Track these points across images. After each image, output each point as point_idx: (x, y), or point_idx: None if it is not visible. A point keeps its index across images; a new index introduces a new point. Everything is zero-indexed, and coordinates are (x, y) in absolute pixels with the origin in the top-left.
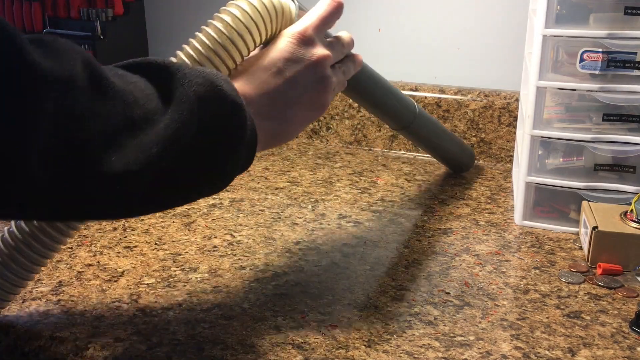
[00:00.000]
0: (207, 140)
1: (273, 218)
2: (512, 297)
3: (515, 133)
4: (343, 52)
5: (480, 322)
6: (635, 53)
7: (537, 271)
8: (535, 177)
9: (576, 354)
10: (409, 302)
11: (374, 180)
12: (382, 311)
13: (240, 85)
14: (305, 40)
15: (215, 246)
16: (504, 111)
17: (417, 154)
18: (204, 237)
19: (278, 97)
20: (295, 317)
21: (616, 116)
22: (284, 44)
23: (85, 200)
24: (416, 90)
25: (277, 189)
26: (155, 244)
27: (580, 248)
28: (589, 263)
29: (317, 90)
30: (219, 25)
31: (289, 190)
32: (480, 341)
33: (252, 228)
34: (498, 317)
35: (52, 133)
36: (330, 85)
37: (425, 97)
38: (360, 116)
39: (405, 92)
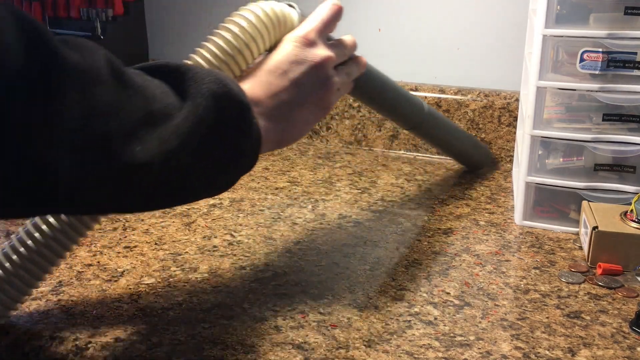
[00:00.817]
0: (219, 136)
1: (273, 218)
2: (512, 297)
3: (515, 133)
4: (346, 54)
5: (480, 322)
6: (635, 53)
7: (537, 271)
8: (535, 177)
9: (576, 354)
10: (409, 302)
11: (373, 180)
12: (382, 311)
13: (246, 87)
14: (308, 43)
15: (215, 246)
16: (504, 111)
17: (417, 154)
18: (204, 237)
19: (283, 98)
20: (295, 317)
21: (616, 116)
22: (288, 47)
23: (109, 192)
24: (416, 90)
25: (277, 189)
26: (155, 244)
27: (580, 248)
28: (589, 263)
29: (320, 91)
30: (227, 35)
31: (289, 190)
32: (481, 341)
33: (252, 228)
34: (498, 317)
35: (78, 123)
36: (333, 86)
37: (425, 97)
38: (360, 116)
39: None
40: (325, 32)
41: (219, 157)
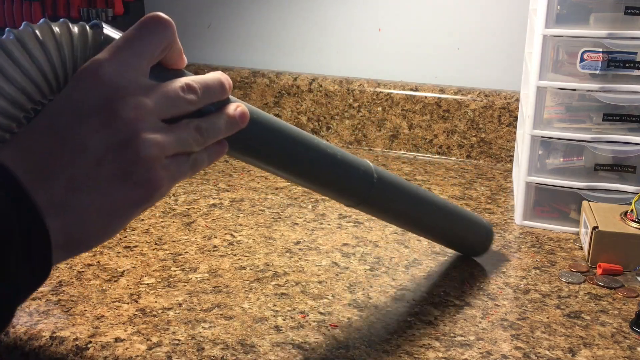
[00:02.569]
0: None
1: (273, 218)
2: (513, 297)
3: (515, 133)
4: (188, 102)
5: (480, 322)
6: (635, 53)
7: (537, 271)
8: (536, 177)
9: (576, 354)
10: (409, 302)
11: None
12: (382, 311)
13: (7, 160)
14: (97, 79)
15: (215, 246)
16: (504, 111)
17: (417, 154)
18: (204, 237)
19: (54, 172)
20: (295, 317)
21: (616, 116)
22: (66, 88)
23: None
24: (416, 90)
25: (277, 188)
26: (156, 243)
27: (581, 248)
28: (589, 263)
29: (123, 158)
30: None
31: (289, 190)
32: (481, 341)
33: (252, 228)
34: (498, 317)
35: None
36: (147, 150)
37: (425, 97)
38: (360, 116)
39: (405, 92)
40: (136, 60)
41: None
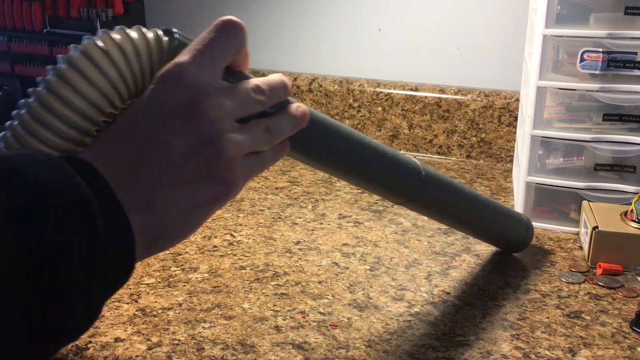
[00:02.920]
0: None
1: (273, 218)
2: (512, 297)
3: (515, 133)
4: (258, 102)
5: (480, 322)
6: (636, 53)
7: (537, 271)
8: (536, 177)
9: (576, 354)
10: (409, 302)
11: None
12: (382, 311)
13: (94, 160)
14: (180, 81)
15: (215, 246)
16: (504, 111)
17: (417, 154)
18: (204, 237)
19: (140, 172)
20: (295, 317)
21: (616, 116)
22: (154, 89)
23: None
24: (416, 90)
25: (277, 188)
26: None
27: (581, 248)
28: (589, 263)
29: (203, 158)
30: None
31: (289, 190)
32: (481, 341)
33: (252, 228)
34: (498, 317)
35: None
36: (226, 150)
37: (425, 97)
38: (360, 116)
39: (405, 92)
40: (212, 63)
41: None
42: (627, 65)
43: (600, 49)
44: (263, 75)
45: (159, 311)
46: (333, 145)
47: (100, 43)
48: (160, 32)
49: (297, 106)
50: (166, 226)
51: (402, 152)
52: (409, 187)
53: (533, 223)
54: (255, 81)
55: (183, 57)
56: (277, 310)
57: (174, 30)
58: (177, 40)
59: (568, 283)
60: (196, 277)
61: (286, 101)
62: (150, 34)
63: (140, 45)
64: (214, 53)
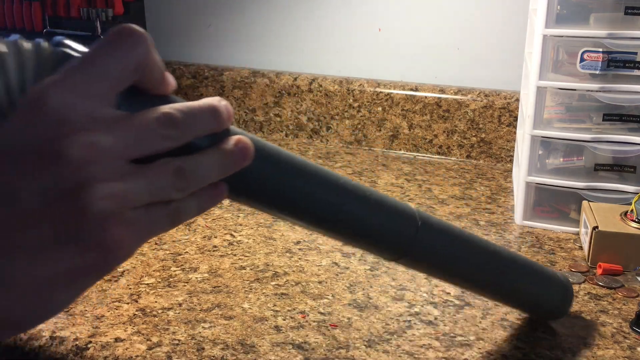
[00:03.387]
0: None
1: (273, 218)
2: None
3: (515, 133)
4: (165, 137)
5: (480, 322)
6: (636, 53)
7: None
8: (536, 177)
9: (576, 354)
10: (409, 302)
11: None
12: (382, 311)
13: None
14: (39, 109)
15: (215, 246)
16: (504, 111)
17: (417, 154)
18: (204, 237)
19: None
20: (295, 317)
21: (616, 116)
22: (11, 119)
23: None
24: (416, 90)
25: None
26: (155, 244)
27: (581, 248)
28: (589, 263)
29: (64, 214)
30: None
31: None
32: (481, 341)
33: (252, 228)
34: (498, 317)
35: None
36: (97, 203)
37: (425, 97)
38: (361, 116)
39: (405, 92)
40: (99, 85)
41: None
42: (627, 65)
43: (600, 49)
44: (264, 75)
45: (159, 311)
46: (292, 187)
47: None
48: (43, 42)
49: (237, 140)
50: (19, 305)
51: (402, 152)
52: (400, 241)
53: (533, 223)
54: (165, 108)
55: (53, 77)
56: (277, 310)
57: (66, 41)
58: (62, 52)
59: None
60: (196, 277)
61: (223, 132)
62: (27, 43)
63: (11, 58)
64: (95, 72)
